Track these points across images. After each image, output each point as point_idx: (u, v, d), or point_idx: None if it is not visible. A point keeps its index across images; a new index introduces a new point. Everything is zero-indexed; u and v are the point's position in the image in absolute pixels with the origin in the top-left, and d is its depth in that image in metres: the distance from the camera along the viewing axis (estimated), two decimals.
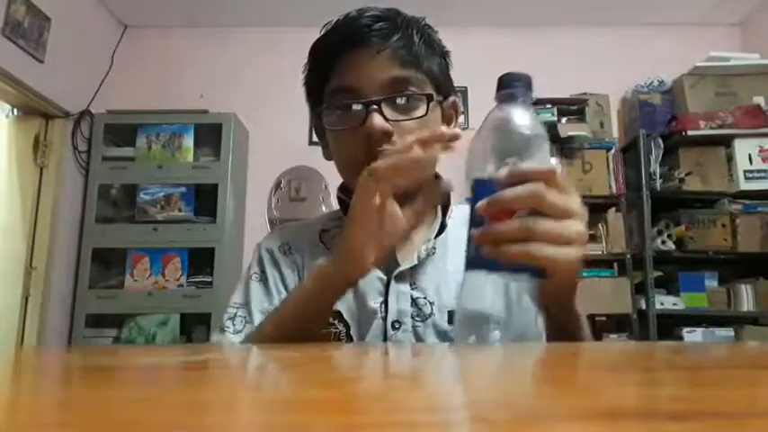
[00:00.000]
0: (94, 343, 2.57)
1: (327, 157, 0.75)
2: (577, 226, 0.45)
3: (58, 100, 2.55)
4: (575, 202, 0.46)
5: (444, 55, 0.73)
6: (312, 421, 0.17)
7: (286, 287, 0.73)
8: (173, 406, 0.20)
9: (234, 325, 0.72)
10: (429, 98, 0.67)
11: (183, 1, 2.90)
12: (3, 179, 2.52)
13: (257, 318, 0.70)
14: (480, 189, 0.45)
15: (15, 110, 2.59)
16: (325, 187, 2.89)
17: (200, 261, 2.64)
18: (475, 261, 0.46)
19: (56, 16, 2.48)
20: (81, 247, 2.65)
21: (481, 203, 0.45)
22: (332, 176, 2.95)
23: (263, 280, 0.75)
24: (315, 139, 2.96)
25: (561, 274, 0.46)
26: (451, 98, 0.74)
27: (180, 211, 2.67)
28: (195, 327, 2.61)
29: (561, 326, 0.54)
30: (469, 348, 0.46)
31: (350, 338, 0.68)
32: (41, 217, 2.52)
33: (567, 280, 0.47)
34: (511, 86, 0.48)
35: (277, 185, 2.96)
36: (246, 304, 0.72)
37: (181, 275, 2.62)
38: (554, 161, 0.49)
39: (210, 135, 2.73)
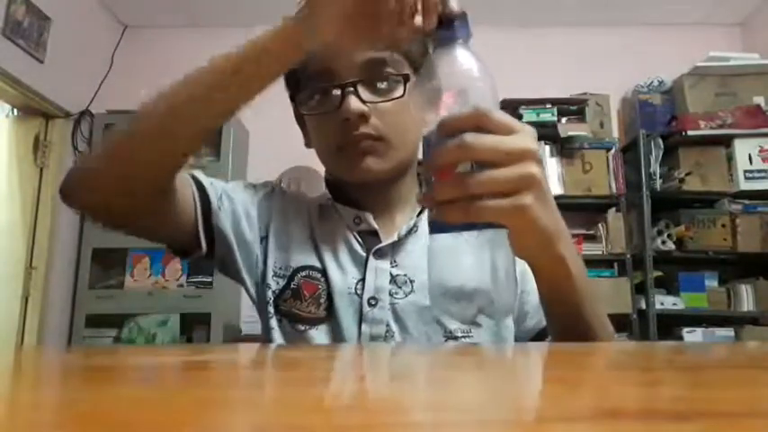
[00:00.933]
0: (94, 343, 2.57)
1: (308, 144, 0.75)
2: (518, 169, 0.41)
3: (58, 100, 2.55)
4: (512, 141, 0.42)
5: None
6: (312, 421, 0.17)
7: (270, 213, 0.73)
8: (173, 406, 0.20)
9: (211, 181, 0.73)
10: (406, 78, 0.66)
11: (183, 1, 2.90)
12: (3, 179, 2.52)
13: (231, 193, 0.71)
14: (425, 146, 0.44)
15: (15, 110, 2.59)
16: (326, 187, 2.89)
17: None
18: (433, 224, 0.44)
19: (56, 16, 2.48)
20: (81, 247, 2.65)
21: (421, 165, 0.45)
22: None
23: (254, 189, 0.76)
24: None
25: (516, 224, 0.42)
26: None
27: None
28: (195, 327, 2.61)
29: (563, 321, 0.51)
30: (469, 348, 0.46)
31: (329, 300, 0.67)
32: (41, 217, 2.52)
33: (527, 233, 0.43)
34: (447, 27, 0.45)
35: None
36: (224, 186, 0.74)
37: (181, 275, 2.62)
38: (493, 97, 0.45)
39: (210, 135, 2.72)
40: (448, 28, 0.45)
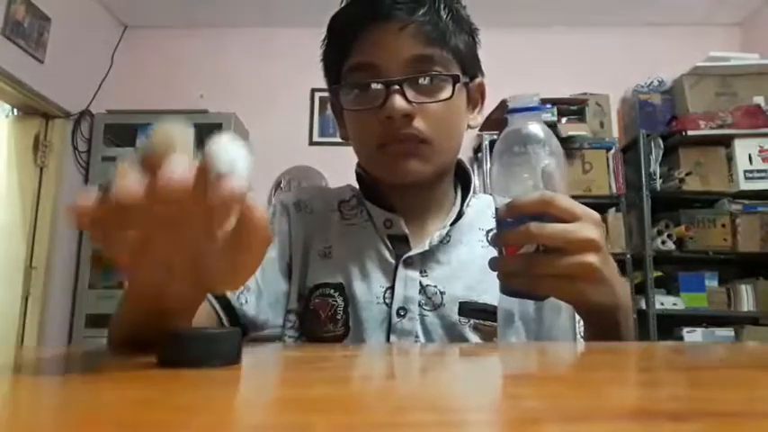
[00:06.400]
0: (94, 343, 2.57)
1: (344, 137, 0.71)
2: (577, 259, 0.44)
3: (58, 100, 2.55)
4: (573, 231, 0.45)
5: (472, 32, 0.69)
6: (312, 421, 0.17)
7: (291, 243, 0.70)
8: (173, 406, 0.20)
9: None
10: (455, 79, 0.62)
11: (182, 1, 2.90)
12: (3, 179, 2.52)
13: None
14: (496, 220, 0.49)
15: (15, 110, 2.59)
16: (326, 186, 2.89)
17: None
18: (501, 288, 0.49)
19: (56, 16, 2.48)
20: (81, 247, 2.65)
21: (492, 237, 0.50)
22: (332, 176, 2.95)
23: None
24: (315, 138, 2.98)
25: (573, 303, 0.47)
26: (478, 80, 0.70)
27: None
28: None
29: (601, 333, 0.52)
30: (470, 349, 0.46)
31: (346, 314, 0.64)
32: (41, 217, 2.52)
33: (583, 307, 0.48)
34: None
35: (277, 185, 2.96)
36: None
37: None
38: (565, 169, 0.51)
39: (210, 135, 2.72)
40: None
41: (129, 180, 0.25)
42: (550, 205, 0.45)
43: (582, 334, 0.57)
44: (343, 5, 0.66)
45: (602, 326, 0.50)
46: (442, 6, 0.63)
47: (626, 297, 0.50)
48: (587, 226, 0.46)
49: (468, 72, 0.66)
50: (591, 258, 0.45)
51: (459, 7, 0.67)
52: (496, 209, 0.48)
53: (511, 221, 0.46)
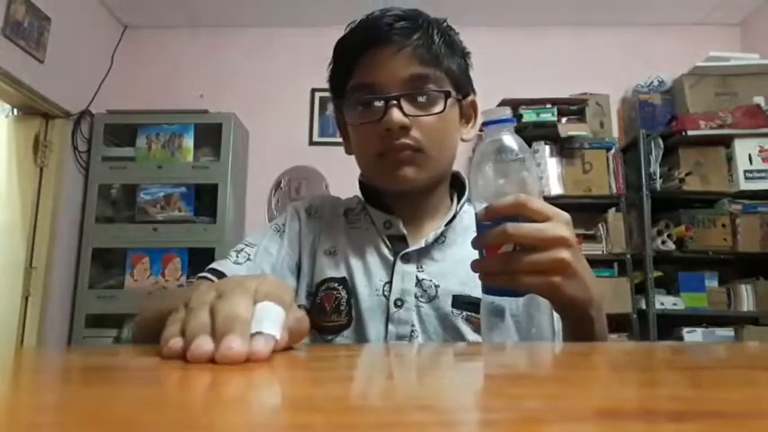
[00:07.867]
0: (94, 343, 2.57)
1: (348, 150, 0.77)
2: (551, 255, 0.48)
3: (58, 100, 2.55)
4: (547, 230, 0.48)
5: (464, 56, 0.76)
6: (312, 421, 0.17)
7: (300, 243, 0.77)
8: (173, 406, 0.20)
9: (237, 257, 0.73)
10: (447, 95, 0.69)
11: (183, 1, 2.90)
12: (3, 179, 2.52)
13: (259, 260, 0.73)
14: (477, 223, 0.52)
15: (15, 110, 2.59)
16: (326, 187, 2.89)
17: (200, 261, 2.64)
18: (483, 289, 0.52)
19: (56, 16, 2.48)
20: (81, 247, 2.65)
21: (472, 240, 0.52)
22: (332, 176, 2.94)
23: (281, 232, 0.77)
24: (315, 139, 2.98)
25: (549, 297, 0.50)
26: (470, 97, 0.76)
27: (180, 211, 2.67)
28: None
29: (576, 328, 0.55)
30: (470, 348, 0.46)
31: (349, 305, 0.70)
32: (41, 217, 2.52)
33: (558, 301, 0.51)
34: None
35: (277, 185, 2.96)
36: (256, 246, 0.75)
37: (181, 275, 2.62)
38: (543, 167, 0.53)
39: (210, 135, 2.73)
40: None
41: (199, 346, 0.31)
42: (524, 207, 0.49)
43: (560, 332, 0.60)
44: (346, 32, 0.73)
45: (577, 320, 0.54)
46: (435, 32, 0.70)
47: (598, 294, 0.53)
48: (559, 225, 0.49)
49: (460, 90, 0.73)
50: (563, 254, 0.48)
51: (452, 33, 0.74)
52: (476, 214, 0.52)
53: (489, 224, 0.50)
